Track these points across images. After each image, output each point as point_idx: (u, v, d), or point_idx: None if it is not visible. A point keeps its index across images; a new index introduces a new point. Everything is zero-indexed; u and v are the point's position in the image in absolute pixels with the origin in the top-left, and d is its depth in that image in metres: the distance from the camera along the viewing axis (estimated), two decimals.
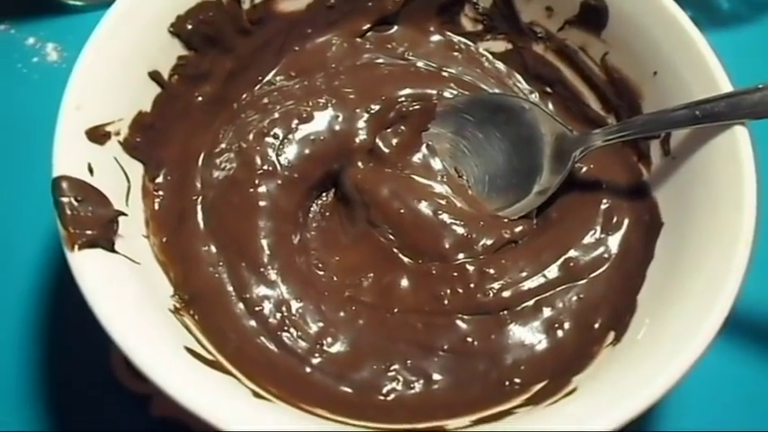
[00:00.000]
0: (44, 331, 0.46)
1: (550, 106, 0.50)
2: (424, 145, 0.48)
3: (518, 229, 0.45)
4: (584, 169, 0.46)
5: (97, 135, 0.39)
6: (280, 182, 0.45)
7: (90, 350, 0.43)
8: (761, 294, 0.43)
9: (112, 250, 0.36)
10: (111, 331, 0.32)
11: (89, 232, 0.35)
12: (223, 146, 0.46)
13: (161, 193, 0.44)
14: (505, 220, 0.45)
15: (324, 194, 0.48)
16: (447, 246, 0.43)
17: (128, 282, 0.36)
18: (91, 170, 0.38)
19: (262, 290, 0.42)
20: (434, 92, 0.50)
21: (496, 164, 0.47)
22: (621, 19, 0.45)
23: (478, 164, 0.47)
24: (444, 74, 0.51)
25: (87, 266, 0.34)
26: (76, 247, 0.34)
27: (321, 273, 0.44)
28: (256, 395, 0.36)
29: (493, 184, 0.46)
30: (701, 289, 0.36)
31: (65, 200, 0.35)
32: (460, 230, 0.44)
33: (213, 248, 0.43)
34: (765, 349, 0.46)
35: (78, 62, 0.39)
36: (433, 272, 0.43)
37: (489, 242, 0.44)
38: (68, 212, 0.35)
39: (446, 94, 0.49)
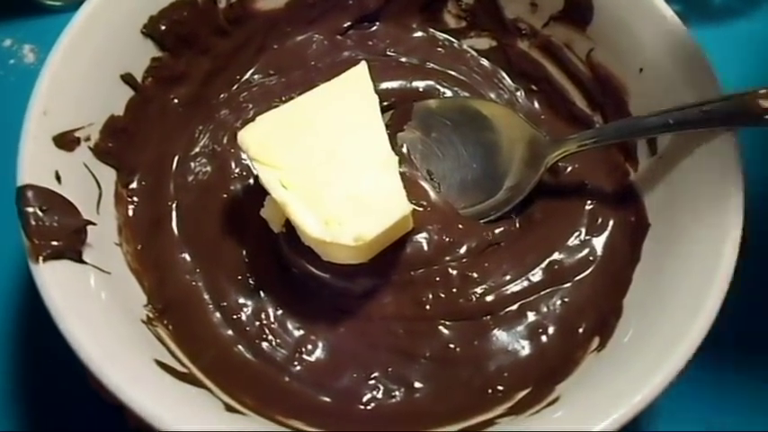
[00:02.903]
0: (19, 339, 0.45)
1: (536, 104, 0.49)
2: (400, 147, 0.46)
3: (499, 230, 0.44)
4: (569, 169, 0.45)
5: (65, 141, 0.38)
6: (254, 185, 0.44)
7: (66, 359, 0.42)
8: (749, 298, 0.42)
9: (80, 261, 0.36)
10: (74, 346, 0.31)
11: (55, 243, 0.34)
12: (198, 149, 0.46)
13: (135, 199, 0.43)
14: (483, 222, 0.44)
15: None
16: (428, 252, 0.42)
17: (95, 293, 0.35)
18: (59, 178, 0.37)
19: (240, 297, 0.41)
20: (418, 86, 0.49)
21: (469, 168, 0.45)
22: (607, 15, 0.44)
23: (451, 167, 0.46)
24: (428, 68, 0.50)
25: (52, 279, 0.33)
26: (41, 259, 0.33)
27: (300, 279, 0.43)
28: (229, 408, 0.35)
29: (464, 188, 0.45)
30: (688, 293, 0.35)
31: (29, 210, 0.34)
32: (440, 236, 0.43)
33: (189, 256, 0.43)
34: (752, 354, 0.45)
35: (46, 65, 0.38)
36: (415, 276, 0.42)
37: (472, 245, 0.43)
38: (33, 223, 0.34)
39: (431, 88, 0.48)
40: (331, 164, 0.38)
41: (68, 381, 0.43)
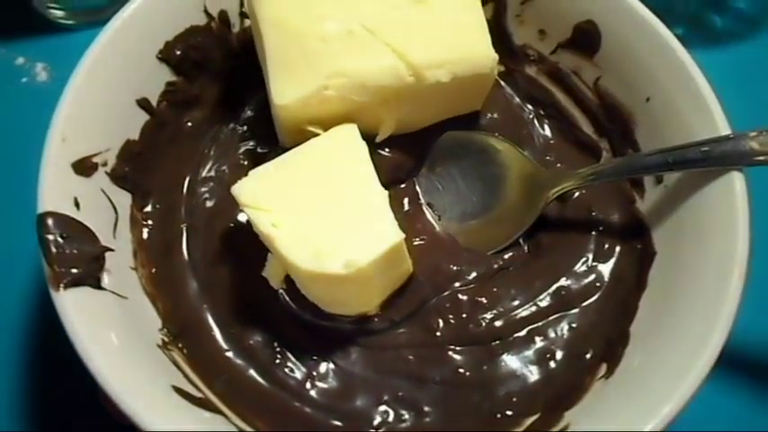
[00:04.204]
0: (34, 360, 0.46)
1: (546, 129, 0.49)
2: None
3: (507, 255, 0.44)
4: (576, 195, 0.46)
5: (84, 167, 0.39)
6: None
7: (79, 379, 0.42)
8: (755, 326, 0.42)
9: (99, 287, 0.36)
10: (96, 375, 0.32)
11: (75, 270, 0.34)
12: (207, 174, 0.46)
13: (150, 222, 0.44)
14: (488, 253, 0.45)
15: None
16: (436, 279, 0.43)
17: (114, 320, 0.35)
18: (77, 204, 0.37)
19: (251, 324, 0.42)
20: None
21: (469, 201, 0.46)
22: (614, 43, 0.44)
23: (451, 200, 0.46)
24: None
25: (72, 307, 0.33)
26: (62, 286, 0.34)
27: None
28: None
29: (464, 221, 0.45)
30: (695, 322, 0.36)
31: (50, 237, 0.35)
32: (447, 264, 0.43)
33: (198, 281, 0.43)
34: (759, 382, 0.46)
35: (64, 93, 0.38)
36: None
37: (480, 271, 0.43)
38: (54, 250, 0.34)
39: None
40: (321, 204, 0.37)
41: (79, 404, 0.43)
